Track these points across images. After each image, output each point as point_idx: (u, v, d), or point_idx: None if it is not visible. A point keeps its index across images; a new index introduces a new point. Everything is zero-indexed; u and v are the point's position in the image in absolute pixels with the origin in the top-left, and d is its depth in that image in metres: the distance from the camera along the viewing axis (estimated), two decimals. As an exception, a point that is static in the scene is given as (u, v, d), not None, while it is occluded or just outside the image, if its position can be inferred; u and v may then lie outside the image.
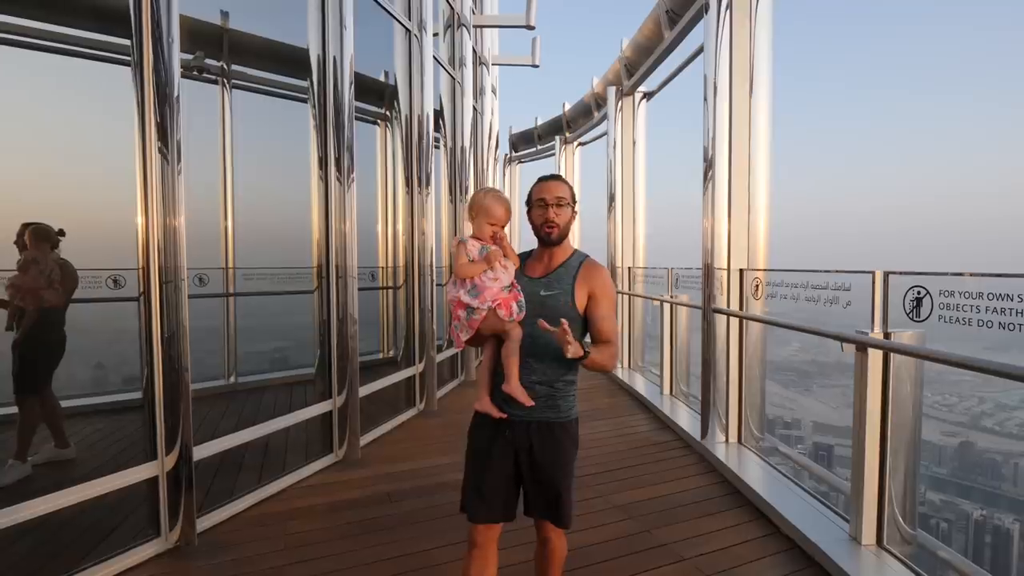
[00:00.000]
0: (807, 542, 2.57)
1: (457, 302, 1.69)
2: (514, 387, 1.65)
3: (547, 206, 1.70)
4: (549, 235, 1.71)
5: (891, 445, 2.44)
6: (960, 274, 2.09)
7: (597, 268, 1.74)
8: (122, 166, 2.40)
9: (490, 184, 8.45)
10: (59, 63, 2.26)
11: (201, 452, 2.71)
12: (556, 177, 1.77)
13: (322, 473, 3.55)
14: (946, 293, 2.11)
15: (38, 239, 2.19)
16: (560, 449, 1.70)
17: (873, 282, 2.44)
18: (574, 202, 1.76)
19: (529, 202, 1.77)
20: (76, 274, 2.30)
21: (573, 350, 1.50)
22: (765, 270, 3.68)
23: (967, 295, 2.02)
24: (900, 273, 2.34)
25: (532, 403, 1.66)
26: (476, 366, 6.33)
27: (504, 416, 1.71)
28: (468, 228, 1.81)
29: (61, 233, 2.24)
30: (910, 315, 2.26)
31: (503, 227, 1.74)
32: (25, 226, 2.16)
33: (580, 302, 1.70)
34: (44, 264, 2.23)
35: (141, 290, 2.44)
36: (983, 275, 2.02)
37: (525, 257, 1.84)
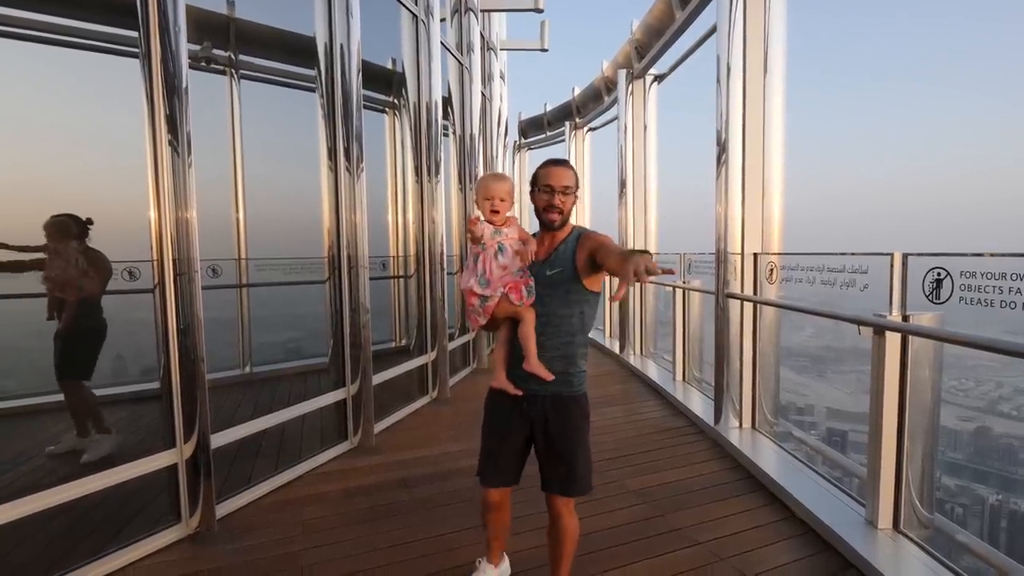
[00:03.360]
0: (822, 526, 2.56)
1: (470, 292, 1.78)
2: (534, 364, 1.75)
3: (553, 192, 1.77)
4: (553, 222, 1.80)
5: (908, 429, 2.41)
6: (980, 254, 2.05)
7: (590, 233, 1.83)
8: (133, 159, 2.41)
9: (500, 171, 8.42)
10: (67, 57, 2.27)
11: (218, 440, 2.75)
12: (564, 163, 1.82)
13: (337, 460, 3.59)
14: (967, 274, 2.06)
15: (55, 231, 2.23)
16: (572, 420, 1.83)
17: (891, 264, 2.40)
18: (577, 188, 1.82)
19: (535, 183, 1.82)
20: (108, 262, 2.37)
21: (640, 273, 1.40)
22: (779, 254, 3.63)
23: (989, 276, 1.97)
24: (919, 254, 2.30)
25: (552, 377, 1.76)
26: (488, 353, 6.34)
27: (520, 392, 1.82)
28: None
29: (89, 222, 2.29)
30: (930, 297, 2.22)
31: (499, 199, 1.78)
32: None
33: (583, 270, 1.77)
34: (67, 255, 2.28)
35: (156, 282, 2.47)
36: (1003, 255, 1.98)
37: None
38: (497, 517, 2.00)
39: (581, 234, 1.83)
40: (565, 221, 1.82)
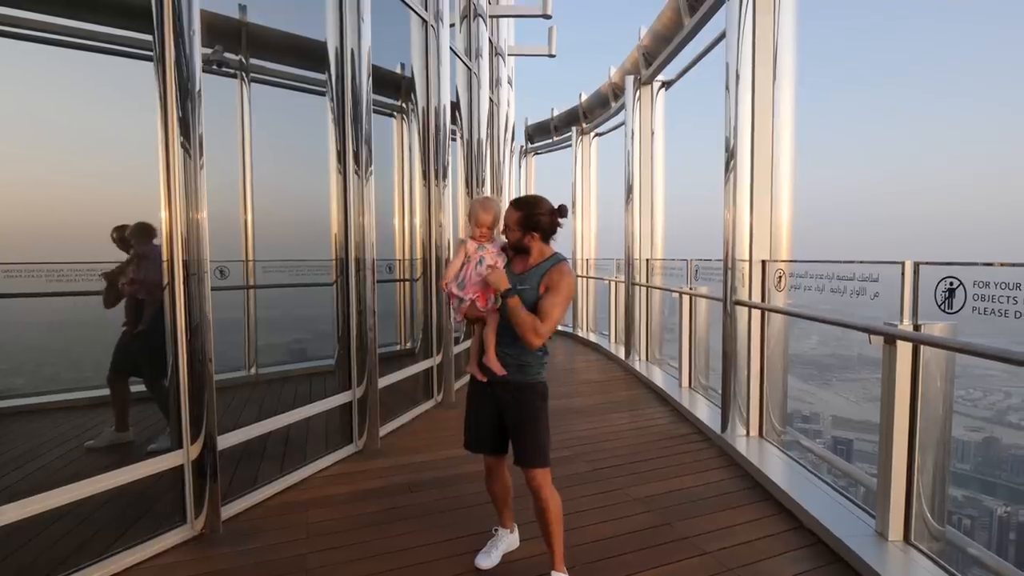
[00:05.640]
0: (831, 537, 2.53)
1: (451, 293, 2.20)
2: (490, 359, 2.18)
3: (504, 226, 2.20)
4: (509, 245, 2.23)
5: (920, 440, 2.39)
6: (990, 264, 2.04)
7: (557, 271, 2.14)
8: (146, 161, 2.43)
9: (506, 176, 8.44)
10: (83, 59, 2.29)
11: (224, 442, 2.75)
12: (513, 204, 2.17)
13: (343, 463, 3.59)
14: (981, 284, 2.04)
15: (139, 235, 2.39)
16: (528, 401, 2.18)
17: (903, 273, 2.38)
18: (528, 226, 2.13)
19: None
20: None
21: (495, 282, 2.06)
22: (788, 261, 3.61)
23: (1004, 286, 1.95)
24: (931, 263, 2.28)
25: (504, 372, 2.16)
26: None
27: (484, 379, 2.23)
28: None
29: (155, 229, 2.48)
30: (942, 307, 2.20)
31: (487, 226, 2.21)
32: (118, 229, 2.34)
33: (542, 295, 2.13)
34: (153, 256, 2.43)
35: (166, 282, 2.48)
36: (1013, 265, 1.96)
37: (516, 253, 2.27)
38: (492, 481, 2.39)
39: (553, 267, 2.15)
40: (517, 248, 2.18)
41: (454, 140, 5.69)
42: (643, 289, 6.85)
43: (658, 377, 5.90)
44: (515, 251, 2.22)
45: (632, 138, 6.84)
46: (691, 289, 5.20)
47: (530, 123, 11.37)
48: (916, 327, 2.34)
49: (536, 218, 2.13)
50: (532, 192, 2.28)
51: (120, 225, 2.36)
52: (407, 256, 4.74)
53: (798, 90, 3.79)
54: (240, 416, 2.97)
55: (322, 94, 3.54)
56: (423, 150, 4.89)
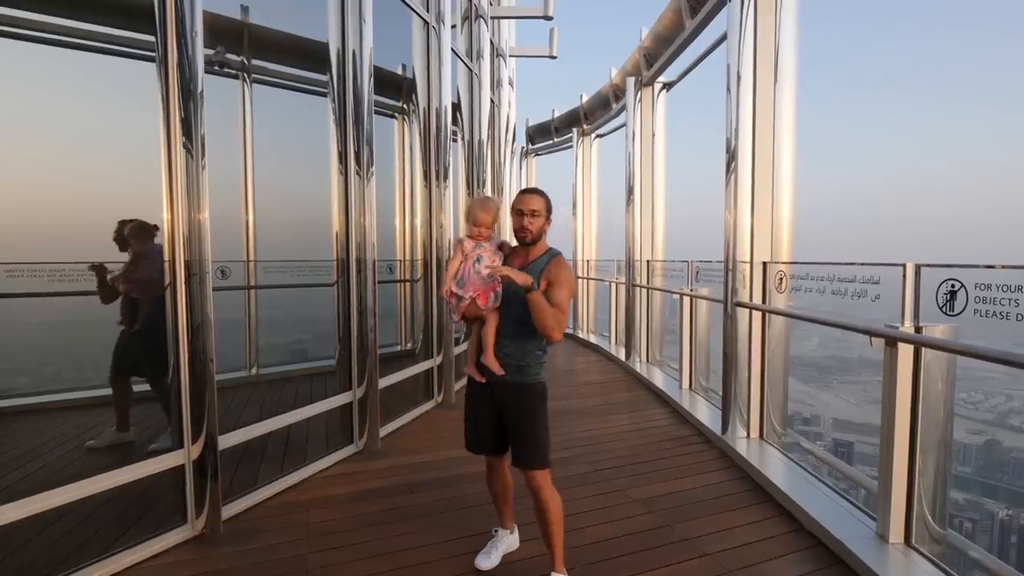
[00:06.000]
0: (832, 539, 2.53)
1: (450, 292, 2.18)
2: (489, 359, 2.15)
3: (523, 215, 2.12)
4: (523, 239, 2.16)
5: (921, 442, 2.38)
6: (992, 266, 2.04)
7: (557, 264, 2.14)
8: (148, 161, 2.43)
9: (506, 177, 8.45)
10: (84, 59, 2.29)
11: (225, 442, 2.76)
12: (534, 191, 2.17)
13: (343, 463, 3.59)
14: (982, 286, 2.04)
15: (137, 234, 2.39)
16: (527, 402, 2.16)
17: (904, 275, 2.37)
18: (548, 213, 2.16)
19: (512, 207, 2.20)
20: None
21: (521, 280, 1.94)
22: (789, 263, 3.61)
23: (1005, 288, 1.95)
24: (932, 266, 2.28)
25: (503, 372, 2.14)
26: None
27: (483, 380, 2.21)
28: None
29: (155, 228, 2.46)
30: (943, 309, 2.20)
31: (486, 226, 2.20)
32: (122, 224, 2.34)
33: (544, 288, 2.09)
34: (152, 256, 2.44)
35: (167, 283, 2.48)
36: (1015, 267, 1.96)
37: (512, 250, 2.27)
38: (493, 480, 2.40)
39: (553, 259, 2.14)
40: (536, 239, 2.14)
41: (455, 141, 5.69)
42: (644, 290, 6.85)
43: (658, 378, 5.90)
44: (519, 246, 2.21)
45: (633, 139, 6.84)
46: (692, 291, 5.20)
47: (531, 124, 11.38)
48: (917, 329, 2.34)
49: (550, 204, 2.19)
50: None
51: (121, 221, 2.35)
52: (408, 257, 4.74)
53: (799, 92, 3.79)
54: (241, 416, 2.97)
55: (323, 95, 3.54)
56: (424, 151, 4.90)
